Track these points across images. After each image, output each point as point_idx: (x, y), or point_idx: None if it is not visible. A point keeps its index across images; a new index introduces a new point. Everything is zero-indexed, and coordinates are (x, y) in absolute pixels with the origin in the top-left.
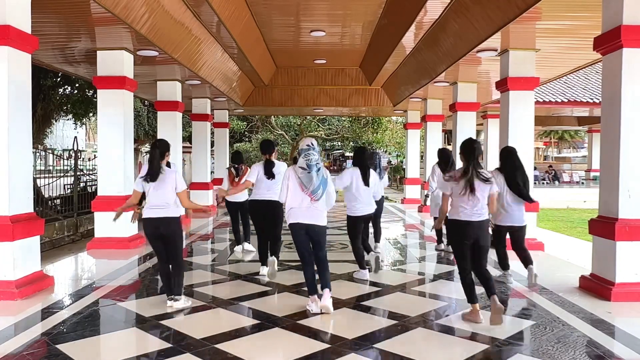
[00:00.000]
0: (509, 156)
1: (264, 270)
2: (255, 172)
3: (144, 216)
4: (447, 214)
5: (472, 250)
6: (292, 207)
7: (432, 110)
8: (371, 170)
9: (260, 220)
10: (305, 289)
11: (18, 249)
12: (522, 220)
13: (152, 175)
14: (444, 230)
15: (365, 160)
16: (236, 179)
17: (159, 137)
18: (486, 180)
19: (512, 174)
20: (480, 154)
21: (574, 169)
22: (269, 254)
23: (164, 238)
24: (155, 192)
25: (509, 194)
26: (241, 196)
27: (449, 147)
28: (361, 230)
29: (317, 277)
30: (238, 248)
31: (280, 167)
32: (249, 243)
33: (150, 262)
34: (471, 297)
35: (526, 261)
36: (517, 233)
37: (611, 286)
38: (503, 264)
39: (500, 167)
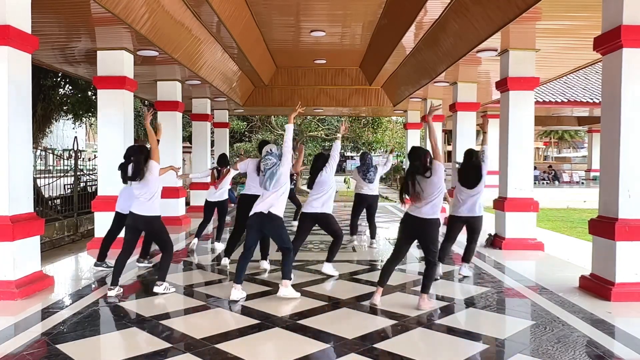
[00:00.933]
0: (467, 157)
1: (226, 261)
2: (244, 164)
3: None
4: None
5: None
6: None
7: None
8: (325, 170)
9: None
10: (305, 288)
11: (18, 249)
12: (478, 210)
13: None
14: (443, 230)
15: (315, 163)
16: (217, 180)
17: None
18: (428, 176)
19: (468, 170)
20: (420, 157)
21: (574, 169)
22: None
23: (140, 233)
24: (140, 190)
25: (463, 188)
26: (221, 195)
27: (449, 147)
28: (307, 230)
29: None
30: (193, 245)
31: None
32: (220, 242)
33: (150, 262)
34: (381, 281)
35: (467, 257)
36: (474, 225)
37: (611, 286)
38: (440, 255)
39: (461, 165)
